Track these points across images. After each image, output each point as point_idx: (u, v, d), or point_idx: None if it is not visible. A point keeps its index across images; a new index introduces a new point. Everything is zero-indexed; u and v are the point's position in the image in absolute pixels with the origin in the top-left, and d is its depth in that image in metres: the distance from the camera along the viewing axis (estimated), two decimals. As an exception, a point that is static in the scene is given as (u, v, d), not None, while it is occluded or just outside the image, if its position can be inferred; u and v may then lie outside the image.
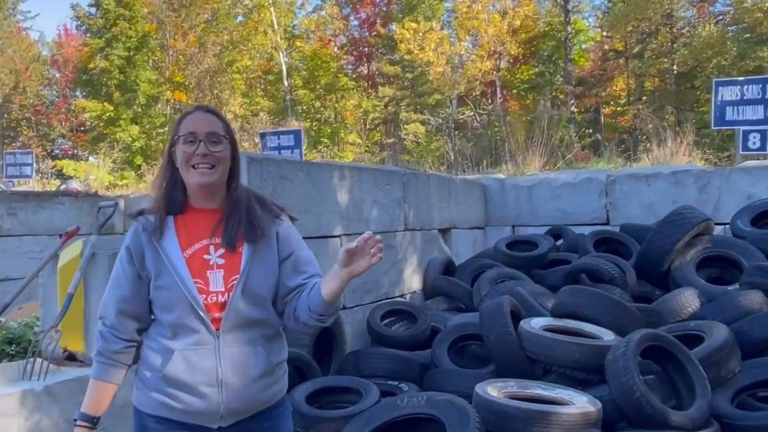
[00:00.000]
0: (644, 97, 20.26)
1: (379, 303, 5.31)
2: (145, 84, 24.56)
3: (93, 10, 25.10)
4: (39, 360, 3.10)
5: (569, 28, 21.35)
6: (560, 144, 8.92)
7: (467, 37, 20.43)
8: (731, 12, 17.72)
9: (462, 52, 20.42)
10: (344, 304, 4.95)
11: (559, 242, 6.63)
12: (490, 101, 23.16)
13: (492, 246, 6.78)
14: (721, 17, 18.75)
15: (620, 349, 3.35)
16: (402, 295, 5.86)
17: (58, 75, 32.35)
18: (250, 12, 23.62)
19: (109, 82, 24.43)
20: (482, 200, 7.64)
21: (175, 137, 1.80)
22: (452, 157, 10.16)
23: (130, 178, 19.42)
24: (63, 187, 12.96)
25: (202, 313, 1.71)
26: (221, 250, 1.77)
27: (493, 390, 3.23)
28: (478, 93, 21.90)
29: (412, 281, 6.02)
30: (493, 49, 20.07)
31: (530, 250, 6.23)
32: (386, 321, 5.17)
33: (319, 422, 3.32)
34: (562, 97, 21.88)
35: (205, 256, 1.76)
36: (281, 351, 1.88)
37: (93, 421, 1.83)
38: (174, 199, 1.80)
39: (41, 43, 32.58)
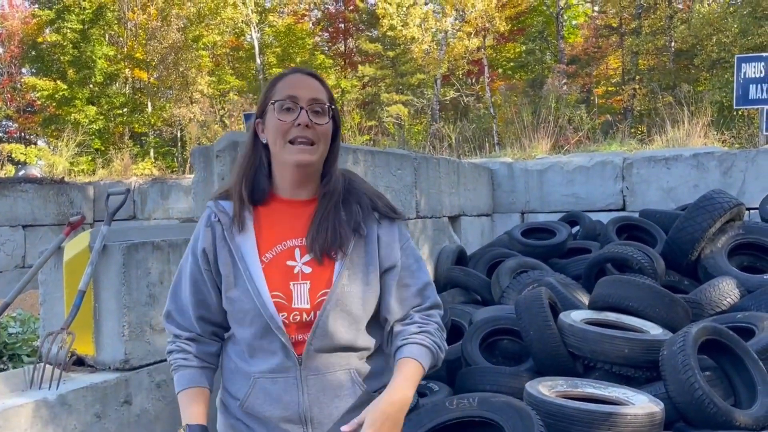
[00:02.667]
0: (638, 76, 20.44)
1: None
2: (102, 60, 23.98)
3: (42, -22, 24.42)
4: (46, 366, 2.95)
5: (561, 3, 21.39)
6: (569, 125, 8.92)
7: (453, 12, 20.32)
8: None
9: (448, 29, 20.33)
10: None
11: (575, 229, 6.62)
12: (475, 81, 23.13)
13: (504, 234, 6.75)
14: (721, -8, 18.98)
15: (677, 344, 3.32)
16: (413, 288, 5.78)
17: (1, 50, 31.43)
18: (218, -18, 23.19)
19: (61, 58, 23.81)
20: (489, 185, 7.59)
21: (269, 102, 1.54)
22: (453, 140, 10.09)
23: (85, 163, 18.98)
24: (22, 173, 12.60)
25: (280, 335, 1.48)
26: (308, 256, 1.51)
27: (545, 389, 3.18)
28: (464, 72, 21.85)
29: (424, 273, 5.95)
30: (480, 25, 20.00)
31: (547, 238, 6.20)
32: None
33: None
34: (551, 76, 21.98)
35: (289, 262, 1.51)
36: (382, 373, 1.60)
37: (200, 429, 1.59)
38: (258, 184, 1.56)
39: (-17, 16, 31.56)
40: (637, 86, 19.38)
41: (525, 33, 23.84)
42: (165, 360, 3.36)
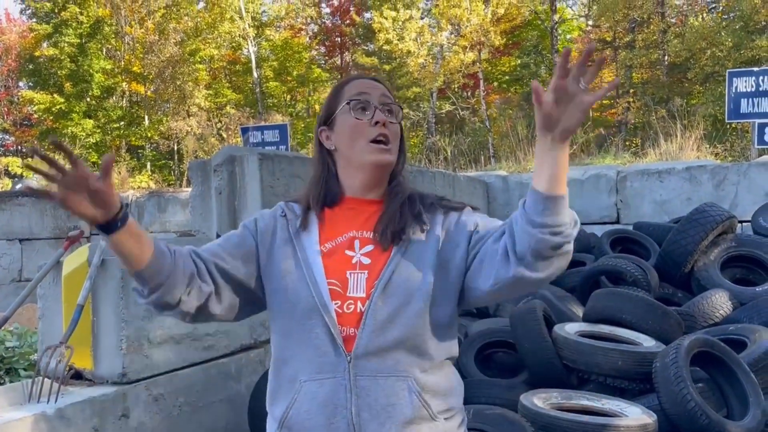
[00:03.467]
0: (631, 90, 20.60)
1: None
2: (99, 74, 24.09)
3: (40, -7, 24.57)
4: (45, 380, 2.98)
5: (555, 17, 21.57)
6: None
7: (449, 26, 20.48)
8: (724, 0, 18.14)
9: (444, 43, 20.47)
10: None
11: (570, 242, 6.66)
12: (470, 94, 23.29)
13: (499, 247, 6.79)
14: (714, 5, 19.15)
15: (670, 356, 3.36)
16: (409, 301, 5.82)
17: (-1, 64, 31.52)
18: (215, -3, 23.38)
19: (58, 72, 23.92)
20: (485, 198, 7.64)
21: (340, 105, 1.50)
22: (448, 153, 10.16)
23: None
24: (19, 186, 12.63)
25: (331, 326, 1.37)
26: (369, 247, 1.44)
27: (539, 401, 3.21)
28: (459, 85, 21.99)
29: (420, 286, 5.99)
30: (476, 39, 20.15)
31: (542, 251, 6.24)
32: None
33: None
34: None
35: (348, 252, 1.43)
36: (451, 394, 1.47)
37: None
38: (330, 190, 1.52)
39: (-20, 30, 31.67)
40: (631, 99, 19.52)
41: (520, 47, 24.04)
42: (162, 374, 3.40)
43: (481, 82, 20.88)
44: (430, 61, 20.68)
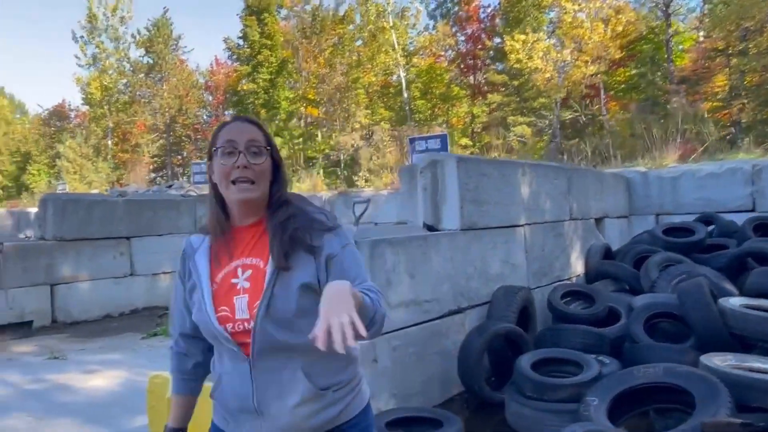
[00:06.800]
0: (744, 92, 18.73)
1: (556, 284, 5.25)
2: (285, 102, 25.61)
3: (241, 42, 26.43)
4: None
5: (670, 30, 20.09)
6: (696, 137, 8.42)
7: (572, 44, 19.70)
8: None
9: (567, 59, 19.74)
10: (528, 285, 4.94)
11: (710, 228, 6.28)
12: (590, 102, 22.26)
13: (644, 233, 6.53)
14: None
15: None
16: (569, 279, 5.76)
17: (211, 98, 34.33)
18: (373, 35, 24.00)
19: (255, 102, 25.67)
20: (626, 191, 7.37)
21: (212, 149, 1.48)
22: (589, 153, 9.87)
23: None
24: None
25: (227, 343, 1.44)
26: (248, 272, 1.45)
27: (719, 362, 3.10)
28: (581, 95, 21.10)
29: (577, 266, 5.90)
30: (596, 54, 19.24)
31: (685, 236, 5.93)
32: (564, 300, 5.10)
33: (551, 389, 3.33)
34: (662, 95, 20.68)
35: (233, 280, 1.46)
36: (337, 372, 1.48)
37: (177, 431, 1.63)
38: (218, 219, 1.51)
39: (197, 73, 34.67)
40: (745, 101, 17.77)
41: (636, 58, 22.61)
42: (398, 329, 3.63)
43: (602, 91, 19.90)
44: (555, 75, 20.02)
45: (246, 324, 1.40)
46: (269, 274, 1.40)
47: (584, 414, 2.91)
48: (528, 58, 19.11)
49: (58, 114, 37.66)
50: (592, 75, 19.63)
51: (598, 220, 6.56)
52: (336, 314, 1.15)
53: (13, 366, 5.98)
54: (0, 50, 72.08)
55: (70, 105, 37.81)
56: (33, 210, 12.25)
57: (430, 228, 4.34)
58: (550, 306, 4.97)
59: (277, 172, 1.50)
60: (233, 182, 1.44)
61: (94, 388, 5.05)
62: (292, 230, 1.43)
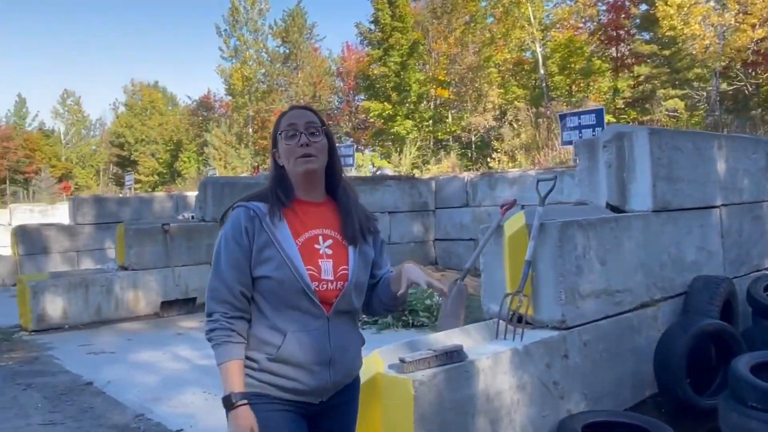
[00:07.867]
0: None
1: (758, 275, 4.54)
2: (415, 84, 25.48)
3: (372, 26, 26.65)
4: (501, 322, 3.01)
5: None
6: None
7: (735, 6, 17.51)
8: None
9: (731, 22, 17.58)
10: (726, 275, 4.29)
11: None
12: (755, 71, 19.70)
13: None
14: None
15: None
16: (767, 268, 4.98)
17: (342, 84, 35.19)
18: (506, 10, 23.03)
19: (386, 85, 25.80)
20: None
21: (277, 135, 1.71)
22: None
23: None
24: (378, 172, 13.88)
25: (315, 299, 1.61)
26: (329, 241, 1.68)
27: None
28: (740, 64, 18.74)
29: (779, 254, 5.09)
30: (765, 15, 16.94)
31: None
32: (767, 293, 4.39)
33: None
34: None
35: (315, 245, 1.66)
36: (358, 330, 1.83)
37: (247, 396, 1.61)
38: (282, 191, 1.69)
39: (330, 59, 35.64)
40: None
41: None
42: (589, 323, 3.25)
43: (772, 57, 17.51)
44: (715, 41, 17.94)
45: (330, 284, 1.63)
46: (353, 248, 1.69)
47: None
48: (684, 24, 17.27)
49: (205, 104, 40.64)
50: (760, 40, 17.37)
51: (802, 201, 5.61)
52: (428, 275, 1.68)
53: (184, 341, 6.35)
54: (153, 48, 79.48)
55: (214, 96, 40.64)
56: (189, 193, 13.17)
57: (614, 209, 3.87)
58: (752, 299, 4.29)
59: (333, 152, 1.72)
60: (297, 158, 1.65)
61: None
62: (362, 214, 1.74)
